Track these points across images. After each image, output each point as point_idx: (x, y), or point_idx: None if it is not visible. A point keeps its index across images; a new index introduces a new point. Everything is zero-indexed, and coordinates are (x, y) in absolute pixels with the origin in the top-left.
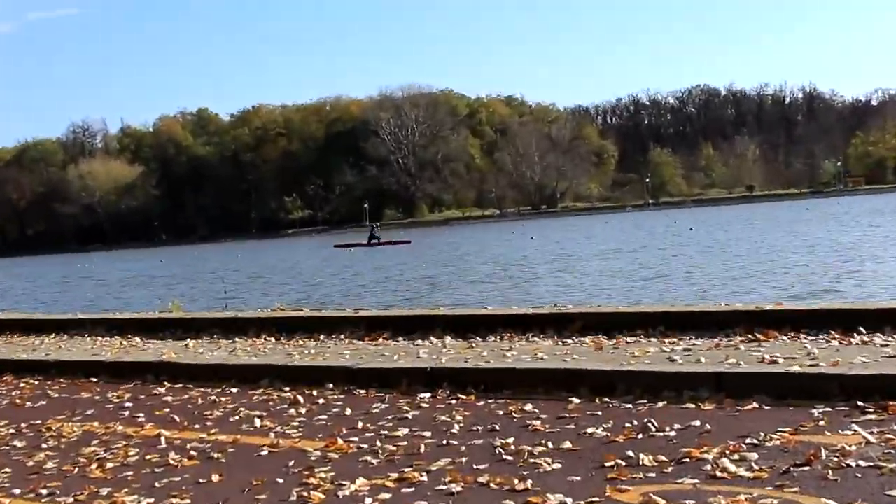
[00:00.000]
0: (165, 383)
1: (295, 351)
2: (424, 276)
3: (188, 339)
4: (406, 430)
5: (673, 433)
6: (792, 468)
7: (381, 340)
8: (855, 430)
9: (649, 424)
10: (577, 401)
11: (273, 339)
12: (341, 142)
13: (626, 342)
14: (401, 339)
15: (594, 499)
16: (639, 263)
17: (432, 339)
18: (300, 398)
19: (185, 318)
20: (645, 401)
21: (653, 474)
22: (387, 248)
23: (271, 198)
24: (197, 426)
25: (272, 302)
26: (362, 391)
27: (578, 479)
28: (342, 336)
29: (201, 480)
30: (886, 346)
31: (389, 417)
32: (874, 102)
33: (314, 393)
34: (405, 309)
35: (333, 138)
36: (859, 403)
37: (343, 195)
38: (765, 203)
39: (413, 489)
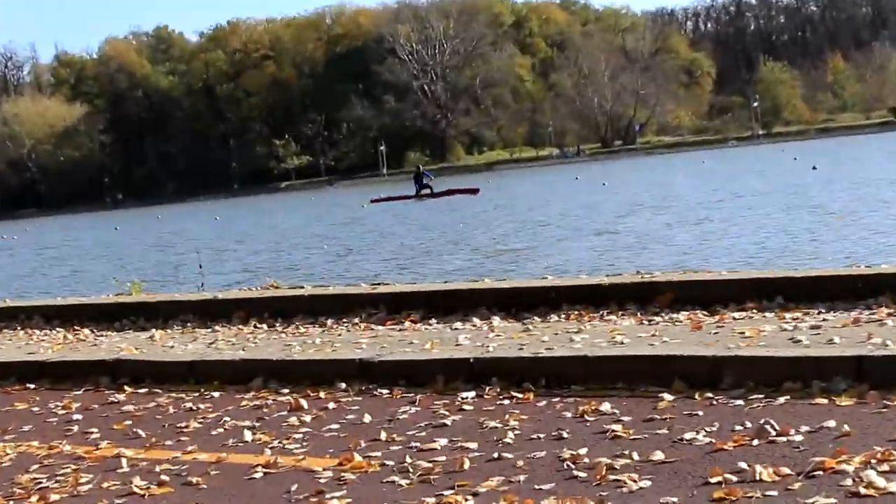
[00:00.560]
0: (125, 388)
1: (295, 341)
2: (509, 237)
3: (153, 330)
4: (444, 441)
5: (799, 437)
6: None
7: (407, 324)
8: None
9: (767, 427)
10: (669, 397)
11: (266, 327)
12: (347, 65)
13: (734, 318)
14: (434, 321)
15: None
16: (743, 216)
17: (476, 320)
18: (303, 402)
19: (150, 301)
20: (761, 395)
21: (774, 492)
22: (442, 199)
23: (258, 142)
24: (168, 442)
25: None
26: (385, 391)
27: (675, 500)
28: (356, 320)
29: None
30: None
31: (422, 424)
32: None
33: (322, 395)
34: (439, 282)
35: (337, 61)
36: None
37: (352, 136)
38: None
39: None
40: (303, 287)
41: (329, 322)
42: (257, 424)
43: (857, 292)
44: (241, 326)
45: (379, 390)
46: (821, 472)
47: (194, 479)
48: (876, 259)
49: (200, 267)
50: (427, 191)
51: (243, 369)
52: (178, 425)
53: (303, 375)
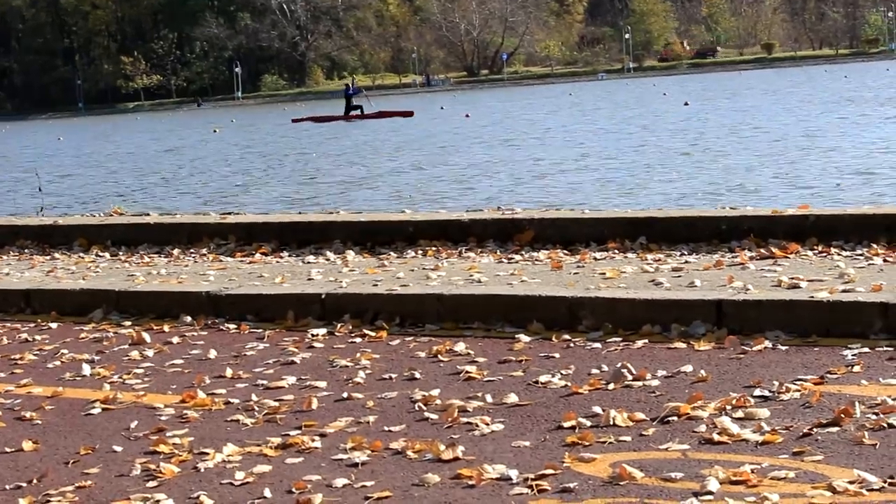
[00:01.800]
0: None
1: (139, 271)
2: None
3: None
4: (293, 380)
5: (656, 382)
6: (815, 429)
7: (258, 257)
8: None
9: (624, 371)
10: (526, 339)
11: (108, 255)
12: None
13: (595, 259)
14: (286, 254)
15: (547, 471)
16: (609, 153)
17: (329, 254)
18: (146, 336)
19: None
20: (619, 338)
21: (627, 438)
22: (372, 122)
23: (105, 59)
24: (1, 375)
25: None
26: (232, 326)
27: (527, 444)
28: (205, 251)
29: (7, 450)
30: None
31: (270, 362)
32: None
33: (165, 329)
34: (292, 213)
35: None
36: None
37: (205, 56)
38: (788, 68)
39: (301, 459)
40: (148, 214)
41: (176, 252)
42: (97, 358)
43: (721, 234)
44: (82, 255)
45: (226, 325)
46: (675, 418)
47: (28, 415)
48: (739, 200)
49: (40, 190)
50: (358, 111)
51: (83, 300)
52: (12, 357)
53: (146, 308)
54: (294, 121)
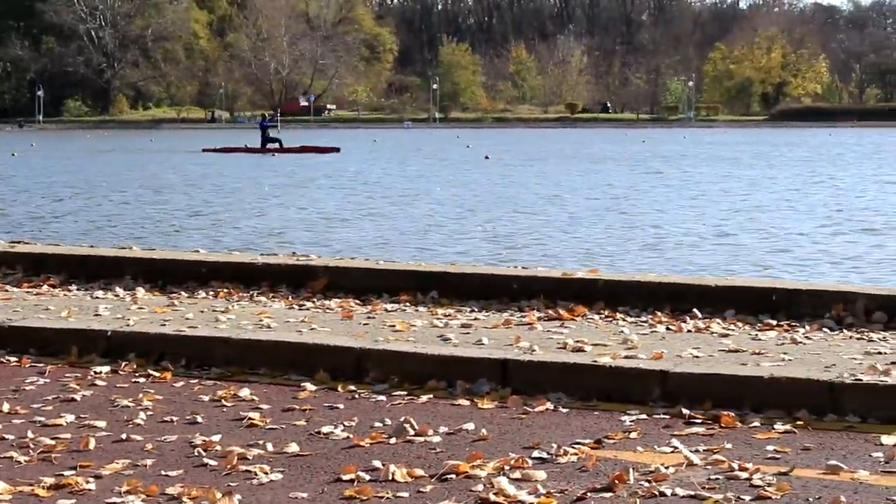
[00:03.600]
0: None
1: None
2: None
3: None
4: (71, 418)
5: (437, 439)
6: (589, 494)
7: (46, 288)
8: (675, 447)
9: (406, 425)
10: (312, 387)
11: None
12: (8, 0)
13: (386, 310)
14: (74, 287)
15: None
16: (408, 203)
17: (119, 290)
18: None
19: None
20: (404, 392)
21: (405, 494)
22: (291, 156)
23: None
24: None
25: None
26: (13, 359)
27: (305, 496)
28: None
29: None
30: (727, 335)
31: (49, 398)
32: (742, 5)
33: None
34: (83, 246)
35: None
36: (684, 411)
37: (7, 77)
38: (590, 128)
39: (74, 500)
40: None
41: None
42: None
43: (512, 293)
44: None
45: (7, 357)
46: (454, 476)
47: None
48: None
49: None
50: (275, 143)
51: None
52: None
53: None
54: (205, 150)
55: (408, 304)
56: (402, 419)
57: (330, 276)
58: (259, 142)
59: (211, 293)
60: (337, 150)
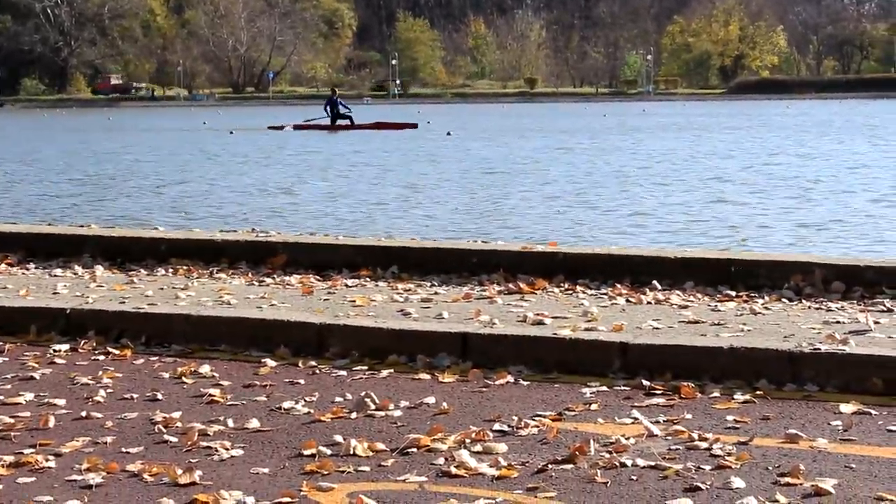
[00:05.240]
0: None
1: None
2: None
3: None
4: (30, 396)
5: (398, 413)
6: (550, 465)
7: (3, 267)
8: (636, 419)
9: (367, 400)
10: (272, 363)
11: None
12: None
13: (346, 286)
14: (32, 266)
15: (284, 499)
16: (367, 180)
17: (77, 268)
18: None
19: None
20: (365, 367)
21: (366, 468)
22: (365, 133)
23: None
24: None
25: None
26: None
27: (266, 471)
28: None
29: None
30: (686, 307)
31: (8, 377)
32: None
33: None
34: (42, 224)
35: None
36: (645, 383)
37: None
38: (550, 103)
39: (34, 479)
40: None
41: None
42: None
43: (472, 267)
44: None
45: None
46: (415, 450)
47: None
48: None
49: None
50: (346, 121)
51: None
52: None
53: None
54: (270, 128)
55: (368, 279)
56: (362, 394)
57: (290, 252)
58: (328, 119)
59: (170, 270)
60: (415, 125)
